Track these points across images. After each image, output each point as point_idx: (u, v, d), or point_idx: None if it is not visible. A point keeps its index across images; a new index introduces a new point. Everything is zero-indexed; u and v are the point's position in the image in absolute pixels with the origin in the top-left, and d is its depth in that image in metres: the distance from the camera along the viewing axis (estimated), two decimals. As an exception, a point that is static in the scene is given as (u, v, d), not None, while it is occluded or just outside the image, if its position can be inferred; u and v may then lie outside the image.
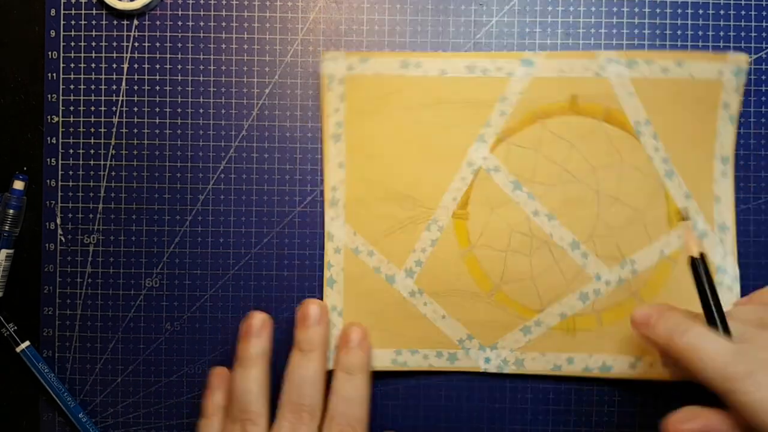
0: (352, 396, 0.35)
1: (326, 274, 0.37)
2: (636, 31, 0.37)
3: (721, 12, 0.37)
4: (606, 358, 0.37)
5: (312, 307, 0.36)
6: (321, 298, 0.38)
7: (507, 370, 0.37)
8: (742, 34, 0.37)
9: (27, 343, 0.37)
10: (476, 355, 0.37)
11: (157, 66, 0.38)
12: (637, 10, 0.37)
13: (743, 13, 0.37)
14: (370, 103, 0.37)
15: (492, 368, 0.37)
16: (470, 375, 0.38)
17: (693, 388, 0.37)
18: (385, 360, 0.37)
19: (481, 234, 0.37)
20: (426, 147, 0.37)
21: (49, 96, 0.38)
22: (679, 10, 0.37)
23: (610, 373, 0.37)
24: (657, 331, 0.31)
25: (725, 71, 0.36)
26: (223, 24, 0.38)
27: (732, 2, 0.37)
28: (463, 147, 0.37)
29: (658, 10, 0.37)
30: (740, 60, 0.36)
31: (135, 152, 0.38)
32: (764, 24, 0.37)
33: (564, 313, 0.37)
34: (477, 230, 0.37)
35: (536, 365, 0.37)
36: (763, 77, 0.37)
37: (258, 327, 0.36)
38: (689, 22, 0.37)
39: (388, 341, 0.37)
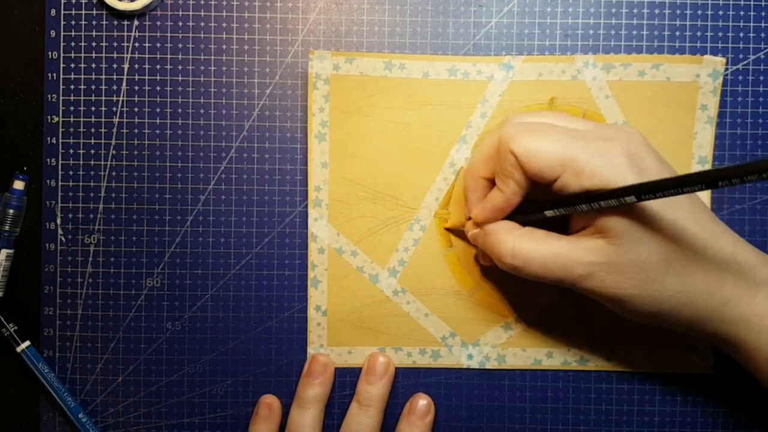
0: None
1: (310, 274, 0.38)
2: (635, 32, 0.37)
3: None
4: (583, 352, 0.37)
5: (378, 361, 0.37)
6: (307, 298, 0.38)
7: (489, 366, 0.38)
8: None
9: (27, 343, 0.37)
10: (459, 352, 0.38)
11: (157, 66, 0.38)
12: (635, 11, 0.37)
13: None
14: (355, 104, 0.37)
15: (474, 364, 0.38)
16: (469, 372, 0.38)
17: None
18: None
19: (463, 218, 0.37)
20: (409, 147, 0.37)
21: (49, 96, 0.38)
22: (678, 12, 0.37)
23: (587, 366, 0.37)
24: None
25: (702, 74, 0.36)
26: (223, 25, 0.38)
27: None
28: (445, 148, 0.37)
29: (657, 11, 0.37)
30: (716, 62, 0.36)
31: (135, 152, 0.38)
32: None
33: (543, 309, 0.37)
34: (458, 220, 0.37)
35: (517, 360, 0.38)
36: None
37: (319, 371, 0.37)
38: (687, 23, 0.37)
39: (372, 339, 0.38)
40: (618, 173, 0.28)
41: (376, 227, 0.37)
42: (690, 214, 0.29)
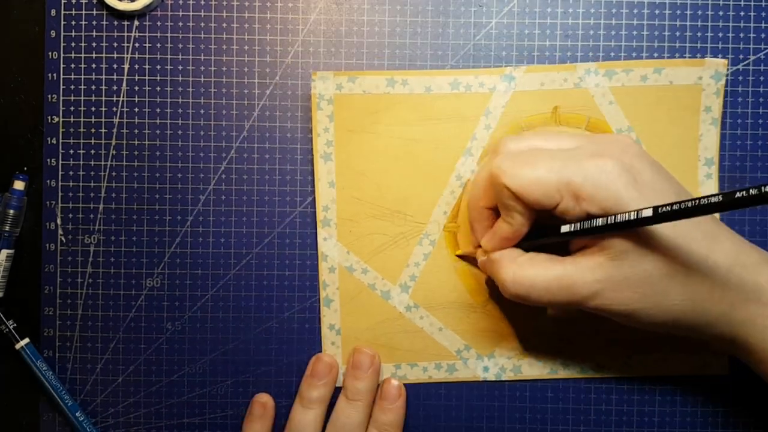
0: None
1: (322, 294, 0.38)
2: (635, 32, 0.37)
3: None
4: (600, 358, 0.37)
5: (363, 356, 0.37)
6: (318, 312, 0.38)
7: (505, 378, 0.38)
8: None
9: (26, 340, 0.37)
10: (474, 364, 0.38)
11: (157, 66, 0.38)
12: (635, 11, 0.37)
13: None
14: (359, 122, 0.37)
15: (491, 377, 0.38)
16: (481, 385, 0.38)
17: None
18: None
19: (471, 246, 0.37)
20: (414, 163, 0.37)
21: (49, 96, 0.38)
22: (678, 13, 0.37)
23: (603, 372, 0.37)
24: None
25: (704, 76, 0.37)
26: (224, 25, 0.38)
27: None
28: (450, 161, 0.37)
29: (657, 12, 0.37)
30: (718, 64, 0.36)
31: (135, 152, 0.38)
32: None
33: (557, 318, 0.37)
34: (468, 242, 0.37)
35: (533, 371, 0.38)
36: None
37: (324, 372, 0.37)
38: (687, 23, 0.37)
39: (387, 356, 0.38)
40: (615, 191, 0.28)
41: (386, 243, 0.37)
42: (690, 222, 0.29)
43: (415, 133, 0.37)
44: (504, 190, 0.30)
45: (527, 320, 0.37)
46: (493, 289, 0.37)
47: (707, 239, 0.29)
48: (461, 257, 0.37)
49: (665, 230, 0.28)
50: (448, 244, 0.37)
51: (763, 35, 0.37)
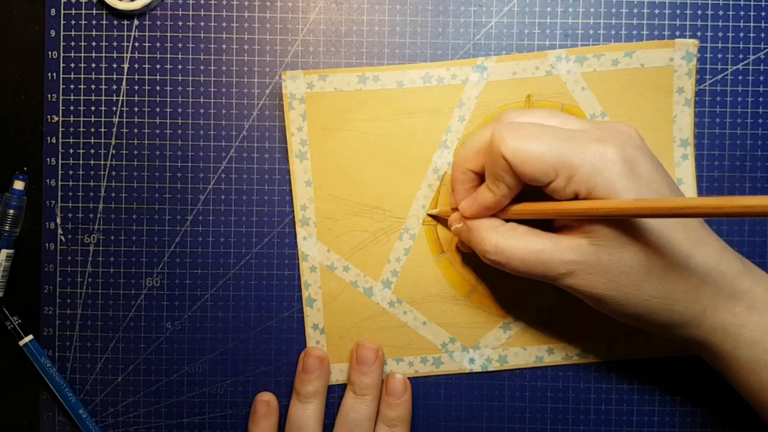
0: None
1: (304, 293, 0.38)
2: (634, 32, 0.37)
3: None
4: (584, 345, 0.38)
5: (367, 351, 0.37)
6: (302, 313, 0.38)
7: (491, 368, 0.38)
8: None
9: (30, 336, 0.37)
10: (460, 356, 0.38)
11: (157, 66, 0.38)
12: (635, 11, 0.37)
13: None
14: (332, 120, 0.37)
15: (477, 368, 0.38)
16: (460, 375, 0.38)
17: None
18: None
19: (452, 238, 0.37)
20: (391, 158, 0.37)
21: (49, 96, 0.38)
22: (678, 12, 0.37)
23: (589, 357, 0.38)
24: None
25: (675, 57, 0.36)
26: (223, 24, 0.38)
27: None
28: (426, 154, 0.37)
29: (657, 11, 0.37)
30: (688, 44, 0.36)
31: (135, 152, 0.38)
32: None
33: (540, 307, 0.37)
34: (448, 235, 0.37)
35: (519, 360, 0.38)
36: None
37: (315, 366, 0.37)
38: (687, 23, 0.37)
39: None
40: (609, 179, 0.28)
41: (366, 240, 0.37)
42: (678, 221, 0.29)
43: (389, 128, 0.37)
44: (500, 160, 0.29)
45: (511, 310, 0.37)
46: (478, 279, 0.37)
47: (691, 241, 0.29)
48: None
49: (651, 225, 0.28)
50: (428, 238, 0.37)
51: (762, 35, 0.37)
